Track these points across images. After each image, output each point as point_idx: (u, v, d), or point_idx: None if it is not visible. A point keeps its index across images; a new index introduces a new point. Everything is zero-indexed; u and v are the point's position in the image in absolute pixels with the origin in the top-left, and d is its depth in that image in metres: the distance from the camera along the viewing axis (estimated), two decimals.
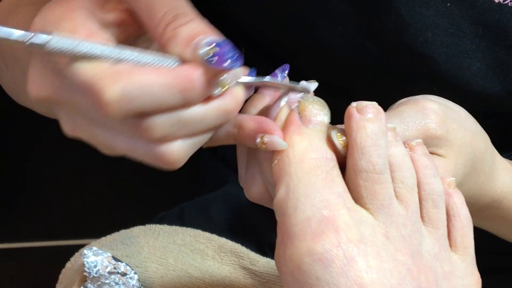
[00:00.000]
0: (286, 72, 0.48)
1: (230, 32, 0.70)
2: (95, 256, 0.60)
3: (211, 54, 0.40)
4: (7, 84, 0.65)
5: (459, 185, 0.51)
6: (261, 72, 0.74)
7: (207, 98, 0.42)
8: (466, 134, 0.52)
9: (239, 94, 0.43)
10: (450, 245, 0.46)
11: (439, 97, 0.53)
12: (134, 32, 0.45)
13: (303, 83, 0.48)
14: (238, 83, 0.43)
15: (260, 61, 0.74)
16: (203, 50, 0.40)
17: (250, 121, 0.45)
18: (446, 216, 0.46)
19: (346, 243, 0.41)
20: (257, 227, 0.73)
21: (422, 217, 0.45)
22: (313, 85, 0.48)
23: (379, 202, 0.44)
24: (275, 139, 0.44)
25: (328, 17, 0.62)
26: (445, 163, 0.50)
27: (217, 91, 0.42)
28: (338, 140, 0.45)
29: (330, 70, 0.66)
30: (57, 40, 0.39)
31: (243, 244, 0.68)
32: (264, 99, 0.49)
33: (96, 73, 0.39)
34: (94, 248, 0.62)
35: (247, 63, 0.82)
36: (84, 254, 0.61)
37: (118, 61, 0.40)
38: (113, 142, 0.43)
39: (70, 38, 0.39)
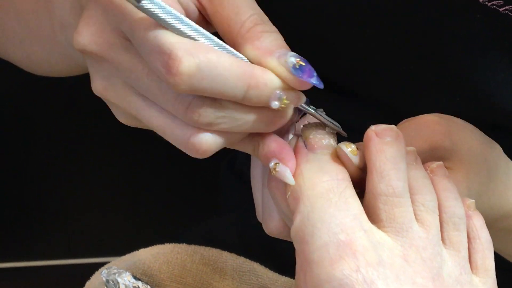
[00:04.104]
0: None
1: None
2: (114, 275, 0.61)
3: (298, 66, 0.41)
4: None
5: (478, 196, 0.51)
6: None
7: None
8: (474, 144, 0.52)
9: (289, 113, 0.44)
10: (471, 268, 0.46)
11: (440, 114, 0.53)
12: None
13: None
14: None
15: None
16: (293, 59, 0.41)
17: (273, 142, 0.45)
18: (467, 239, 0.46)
19: (365, 266, 0.41)
20: (276, 246, 0.73)
21: (443, 239, 0.45)
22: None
23: (399, 225, 0.43)
24: (287, 173, 0.44)
25: (354, 20, 0.62)
26: (454, 175, 0.50)
27: (274, 104, 0.42)
28: (347, 149, 0.45)
29: (352, 75, 0.66)
30: (150, 1, 0.39)
31: (261, 263, 0.68)
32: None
33: (177, 41, 0.39)
34: (114, 267, 0.62)
35: None
36: (104, 273, 0.61)
37: (198, 40, 0.41)
38: (147, 113, 0.43)
39: (161, 4, 0.39)
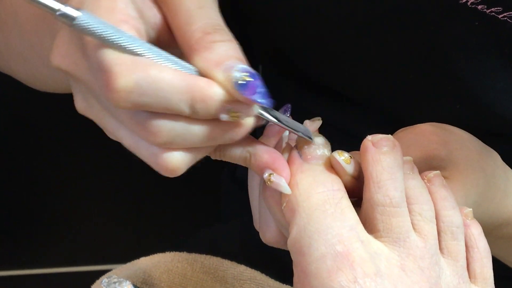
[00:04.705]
0: (288, 112, 0.47)
1: (250, 42, 0.70)
2: (115, 284, 0.61)
3: (243, 81, 0.40)
4: None
5: (477, 205, 0.51)
6: (276, 91, 0.74)
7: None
8: (471, 153, 0.52)
9: (249, 123, 0.43)
10: (470, 277, 0.46)
11: (437, 123, 0.53)
12: (165, 41, 0.44)
13: (307, 122, 0.48)
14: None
15: (276, 79, 0.75)
16: (237, 74, 0.40)
17: (264, 153, 0.45)
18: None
19: (363, 277, 0.41)
20: (277, 254, 0.73)
21: (441, 249, 0.45)
22: (316, 123, 0.48)
23: (396, 235, 0.43)
24: (282, 182, 0.44)
25: (355, 28, 0.62)
26: (451, 184, 0.50)
27: (223, 117, 0.41)
28: (341, 157, 0.45)
29: (353, 82, 0.66)
30: (85, 20, 0.39)
31: (262, 271, 0.68)
32: (269, 141, 0.48)
33: (116, 58, 0.39)
34: (114, 276, 0.62)
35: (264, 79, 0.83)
36: (104, 282, 0.61)
37: (140, 54, 0.40)
38: (119, 134, 0.43)
39: (98, 21, 0.39)
